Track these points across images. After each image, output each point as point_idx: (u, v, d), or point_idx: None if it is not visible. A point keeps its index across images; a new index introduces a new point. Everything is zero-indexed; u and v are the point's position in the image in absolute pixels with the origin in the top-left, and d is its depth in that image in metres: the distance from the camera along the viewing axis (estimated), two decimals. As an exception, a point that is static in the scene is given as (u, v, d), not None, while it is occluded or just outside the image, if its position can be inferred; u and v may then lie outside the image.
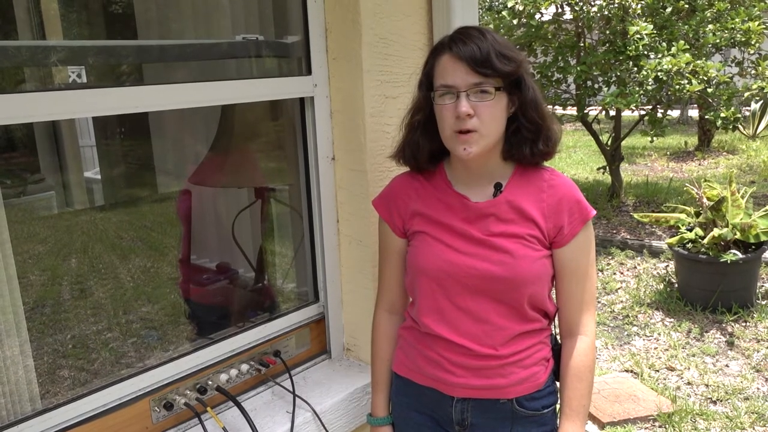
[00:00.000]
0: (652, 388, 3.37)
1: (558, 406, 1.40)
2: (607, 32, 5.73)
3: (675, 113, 10.99)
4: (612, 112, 6.04)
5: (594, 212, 1.34)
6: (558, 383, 1.41)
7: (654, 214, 4.73)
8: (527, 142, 1.31)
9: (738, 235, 4.04)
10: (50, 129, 2.63)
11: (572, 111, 6.29)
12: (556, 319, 1.41)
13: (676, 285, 4.55)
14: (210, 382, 1.56)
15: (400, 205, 1.43)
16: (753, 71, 5.53)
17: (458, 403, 1.39)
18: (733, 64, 5.80)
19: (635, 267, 5.19)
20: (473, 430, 1.41)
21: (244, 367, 1.63)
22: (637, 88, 5.30)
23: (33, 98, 1.21)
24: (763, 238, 4.07)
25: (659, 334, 4.03)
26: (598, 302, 4.63)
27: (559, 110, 6.39)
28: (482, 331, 1.33)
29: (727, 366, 3.61)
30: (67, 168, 2.83)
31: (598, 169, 7.09)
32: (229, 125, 2.06)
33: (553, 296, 1.39)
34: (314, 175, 1.74)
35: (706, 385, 3.41)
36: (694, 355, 3.74)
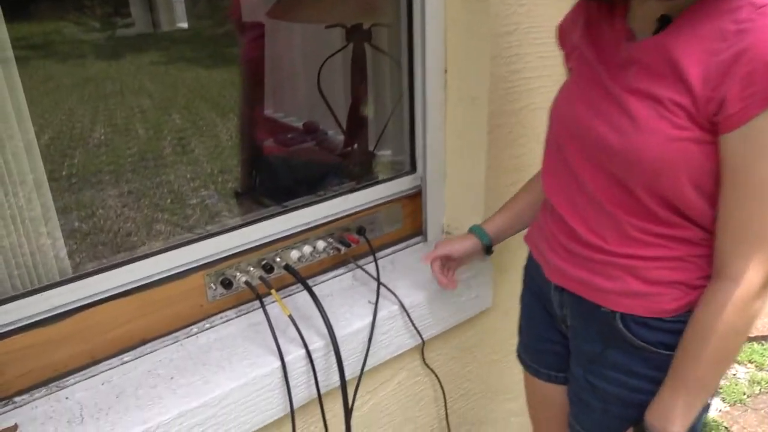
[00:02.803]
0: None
1: None
2: None
3: None
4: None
5: None
6: None
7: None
8: None
9: None
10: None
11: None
12: None
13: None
14: (278, 259, 1.29)
15: (571, 35, 1.08)
16: None
17: (556, 291, 1.12)
18: None
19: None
20: (575, 334, 1.12)
21: (321, 244, 1.34)
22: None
23: None
24: None
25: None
26: None
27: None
28: (593, 213, 0.99)
29: None
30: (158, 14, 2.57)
31: None
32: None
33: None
34: (418, 5, 1.33)
35: None
36: None
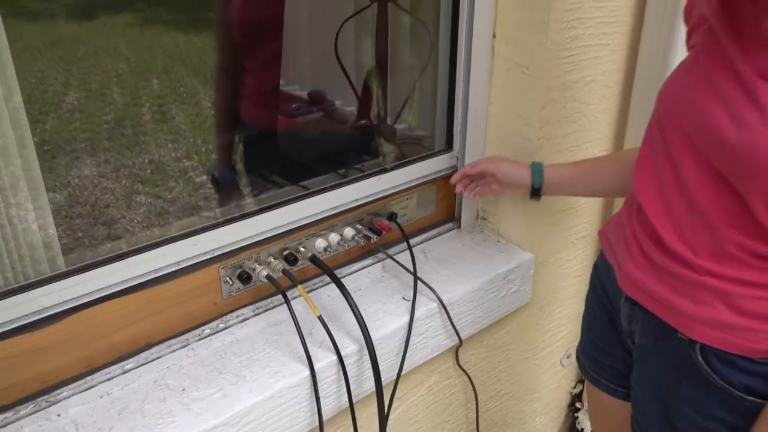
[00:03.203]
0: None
1: None
2: None
3: None
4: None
5: None
6: None
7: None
8: None
9: None
10: None
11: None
12: None
13: None
14: (302, 249, 1.12)
15: (699, 6, 0.86)
16: None
17: (627, 303, 0.96)
18: None
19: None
20: (643, 356, 0.97)
21: (349, 232, 1.17)
22: None
23: None
24: None
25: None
26: None
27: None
28: (688, 219, 0.82)
29: None
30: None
31: None
32: None
33: None
34: (469, -42, 1.16)
35: None
36: None
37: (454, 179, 1.23)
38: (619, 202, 1.42)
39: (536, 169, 1.13)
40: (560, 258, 1.41)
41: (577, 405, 1.73)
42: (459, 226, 1.37)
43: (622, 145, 1.38)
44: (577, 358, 1.19)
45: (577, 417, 1.72)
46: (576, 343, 1.63)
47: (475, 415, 1.41)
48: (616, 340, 1.05)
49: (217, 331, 1.05)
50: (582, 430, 1.70)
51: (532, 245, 1.31)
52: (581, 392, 1.73)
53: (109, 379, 0.95)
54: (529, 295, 1.35)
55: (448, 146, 1.30)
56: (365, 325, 1.01)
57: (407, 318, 1.10)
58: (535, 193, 1.13)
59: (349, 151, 1.58)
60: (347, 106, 1.75)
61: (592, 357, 1.12)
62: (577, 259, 1.46)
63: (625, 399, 1.10)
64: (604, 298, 1.05)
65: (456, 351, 1.28)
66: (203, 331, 1.04)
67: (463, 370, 1.32)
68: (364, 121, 1.67)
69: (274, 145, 1.63)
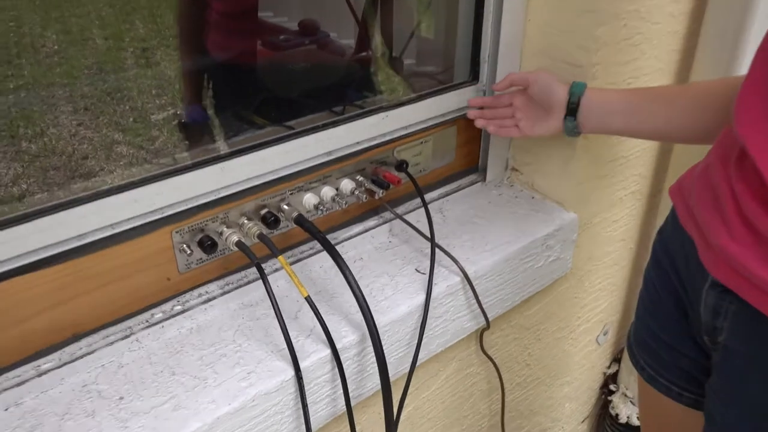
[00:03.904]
0: None
1: None
2: None
3: None
4: None
5: None
6: None
7: None
8: None
9: None
10: None
11: None
12: None
13: None
14: (285, 207, 0.85)
15: None
16: None
17: (713, 290, 0.69)
18: None
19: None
20: (729, 359, 0.71)
21: (347, 185, 0.91)
22: None
23: None
24: None
25: None
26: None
27: None
28: None
29: None
30: None
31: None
32: None
33: None
34: None
35: None
36: None
37: (472, 105, 0.97)
38: (682, 152, 1.15)
39: (576, 85, 0.87)
40: (606, 219, 1.15)
41: (611, 387, 1.49)
42: (484, 179, 1.11)
43: (687, 80, 1.11)
44: (629, 347, 0.94)
45: (611, 401, 1.48)
46: (615, 317, 1.39)
47: (499, 406, 1.18)
48: (687, 334, 0.80)
49: (172, 315, 0.79)
50: (617, 415, 1.47)
51: (575, 203, 1.05)
52: (616, 372, 1.49)
53: (18, 384, 0.69)
54: (569, 264, 1.09)
55: (473, 77, 1.03)
56: (368, 306, 0.75)
57: (422, 296, 0.85)
58: (572, 115, 0.87)
59: (347, 86, 1.30)
60: (344, 38, 1.47)
61: (650, 350, 0.87)
62: (623, 220, 1.20)
63: (693, 407, 0.85)
64: (674, 279, 0.79)
65: (480, 334, 1.03)
66: (153, 315, 0.78)
67: (488, 356, 1.07)
68: (365, 53, 1.38)
69: (253, 79, 1.35)
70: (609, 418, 1.49)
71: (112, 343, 0.75)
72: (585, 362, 1.37)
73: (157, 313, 0.79)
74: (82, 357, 0.73)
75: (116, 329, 0.76)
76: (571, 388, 1.40)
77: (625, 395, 1.47)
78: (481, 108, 1.00)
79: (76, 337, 0.73)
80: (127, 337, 0.76)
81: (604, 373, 1.48)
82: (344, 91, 1.27)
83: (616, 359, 1.49)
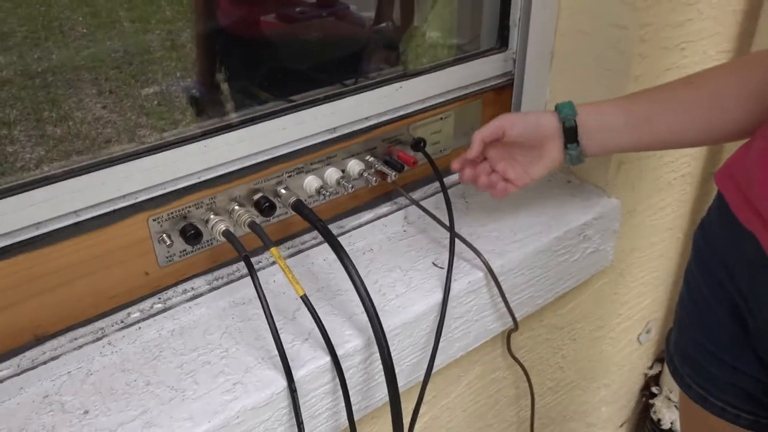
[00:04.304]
0: None
1: None
2: None
3: None
4: None
5: None
6: None
7: None
8: None
9: None
10: None
11: None
12: None
13: None
14: (283, 191, 0.75)
15: None
16: None
17: None
18: None
19: None
20: None
21: (354, 166, 0.80)
22: None
23: None
24: None
25: None
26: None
27: None
28: None
29: None
30: None
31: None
32: None
33: None
34: None
35: None
36: None
37: (455, 165, 0.77)
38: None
39: (563, 106, 0.71)
40: (652, 206, 1.02)
41: (653, 390, 1.36)
42: (513, 160, 0.98)
43: (749, 46, 0.97)
44: (669, 359, 0.80)
45: (653, 404, 1.36)
46: (660, 312, 1.26)
47: (528, 413, 1.06)
48: (746, 346, 0.67)
49: (151, 315, 0.69)
50: (659, 420, 1.34)
51: (617, 187, 0.92)
52: (659, 374, 1.36)
53: (-32, 395, 0.61)
54: (610, 256, 0.96)
55: (501, 43, 0.90)
56: (373, 306, 0.64)
57: (440, 294, 0.73)
58: (571, 138, 0.71)
59: (362, 59, 1.19)
60: (364, 10, 1.35)
61: (696, 365, 0.74)
62: (671, 207, 1.07)
63: (752, 429, 0.72)
64: (727, 283, 0.66)
65: (507, 336, 0.91)
66: (129, 315, 0.69)
67: (516, 360, 0.95)
68: (384, 24, 1.26)
69: (263, 52, 1.24)
70: (650, 422, 1.36)
71: (80, 346, 0.65)
72: (625, 363, 1.25)
73: (134, 313, 0.69)
74: (45, 363, 0.64)
75: (85, 331, 0.66)
76: (609, 392, 1.27)
77: (669, 399, 1.34)
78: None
79: (38, 341, 0.64)
80: (98, 339, 0.66)
81: (646, 375, 1.35)
82: (360, 64, 1.16)
83: (659, 359, 1.36)
